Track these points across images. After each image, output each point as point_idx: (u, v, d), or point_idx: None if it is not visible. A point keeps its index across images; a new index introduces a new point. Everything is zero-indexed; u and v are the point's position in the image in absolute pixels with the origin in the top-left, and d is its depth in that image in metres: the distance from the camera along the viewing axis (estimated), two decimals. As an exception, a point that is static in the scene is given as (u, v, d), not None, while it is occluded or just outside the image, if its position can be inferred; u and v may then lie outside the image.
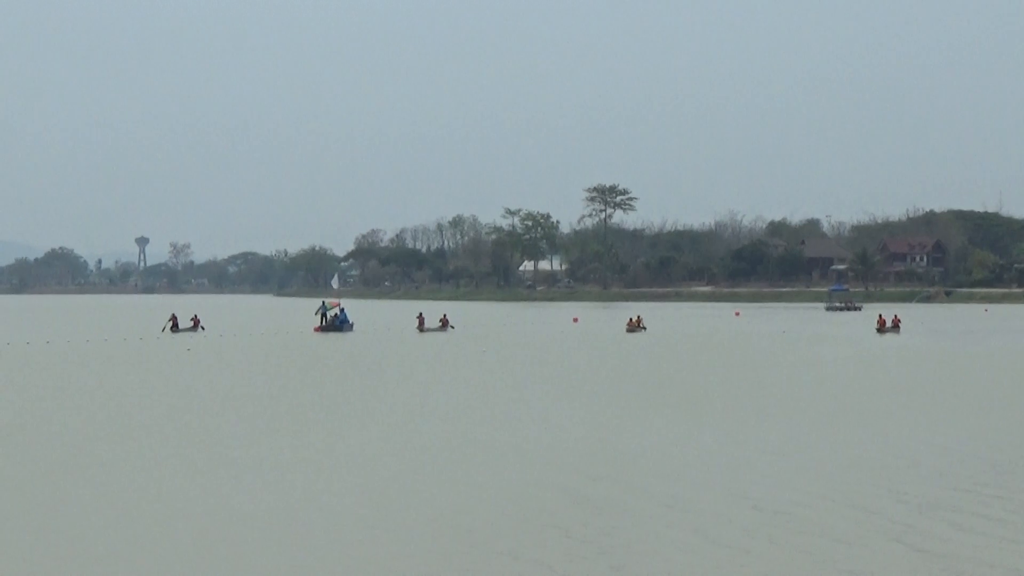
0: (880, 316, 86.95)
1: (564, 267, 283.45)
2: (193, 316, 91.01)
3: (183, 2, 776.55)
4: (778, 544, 16.05)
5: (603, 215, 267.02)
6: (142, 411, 32.46)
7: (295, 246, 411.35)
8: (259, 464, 22.92)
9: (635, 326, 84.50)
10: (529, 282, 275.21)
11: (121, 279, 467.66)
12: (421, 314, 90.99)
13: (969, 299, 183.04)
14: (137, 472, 22.03)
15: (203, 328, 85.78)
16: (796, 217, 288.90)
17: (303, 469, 22.29)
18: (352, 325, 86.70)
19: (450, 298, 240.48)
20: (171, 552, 15.83)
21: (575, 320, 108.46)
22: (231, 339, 74.94)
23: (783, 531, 16.82)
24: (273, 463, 23.00)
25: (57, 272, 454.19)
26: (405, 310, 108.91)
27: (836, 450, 24.48)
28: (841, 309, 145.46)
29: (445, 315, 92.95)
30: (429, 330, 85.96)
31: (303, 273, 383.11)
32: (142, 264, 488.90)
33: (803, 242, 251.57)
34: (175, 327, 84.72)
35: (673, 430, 28.01)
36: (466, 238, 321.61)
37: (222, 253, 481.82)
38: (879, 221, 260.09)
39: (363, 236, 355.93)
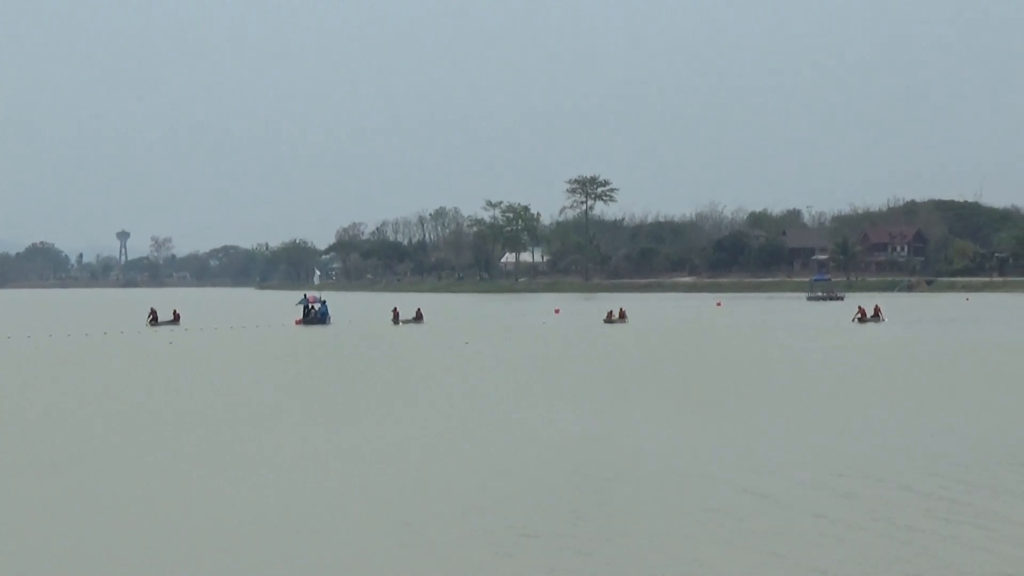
0: (860, 307, 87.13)
1: (546, 259, 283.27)
2: (174, 310, 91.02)
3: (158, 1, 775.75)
4: (772, 535, 16.11)
5: (584, 207, 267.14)
6: (125, 407, 32.41)
7: (276, 239, 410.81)
8: (243, 460, 22.88)
9: (612, 318, 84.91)
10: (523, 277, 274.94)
11: (102, 273, 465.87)
12: (396, 308, 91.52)
13: (950, 288, 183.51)
14: (127, 470, 22.00)
15: (179, 323, 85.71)
16: (777, 208, 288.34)
17: (290, 465, 22.27)
18: (330, 318, 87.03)
19: (432, 290, 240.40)
20: (161, 548, 15.81)
21: (557, 311, 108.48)
22: (212, 333, 74.81)
23: (775, 522, 16.88)
24: (256, 458, 22.97)
25: (38, 266, 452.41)
26: (386, 303, 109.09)
27: (820, 442, 24.54)
28: (823, 299, 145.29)
29: (419, 309, 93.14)
30: (404, 322, 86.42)
31: (284, 266, 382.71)
32: (123, 258, 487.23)
33: (784, 232, 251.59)
34: (155, 321, 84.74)
35: (656, 424, 28.03)
36: (447, 230, 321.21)
37: (203, 247, 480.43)
38: (860, 211, 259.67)
39: (344, 229, 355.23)
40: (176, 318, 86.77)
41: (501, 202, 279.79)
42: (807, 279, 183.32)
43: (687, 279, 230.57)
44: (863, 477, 20.19)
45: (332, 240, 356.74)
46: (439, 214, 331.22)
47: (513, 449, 23.98)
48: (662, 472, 20.96)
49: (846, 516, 17.23)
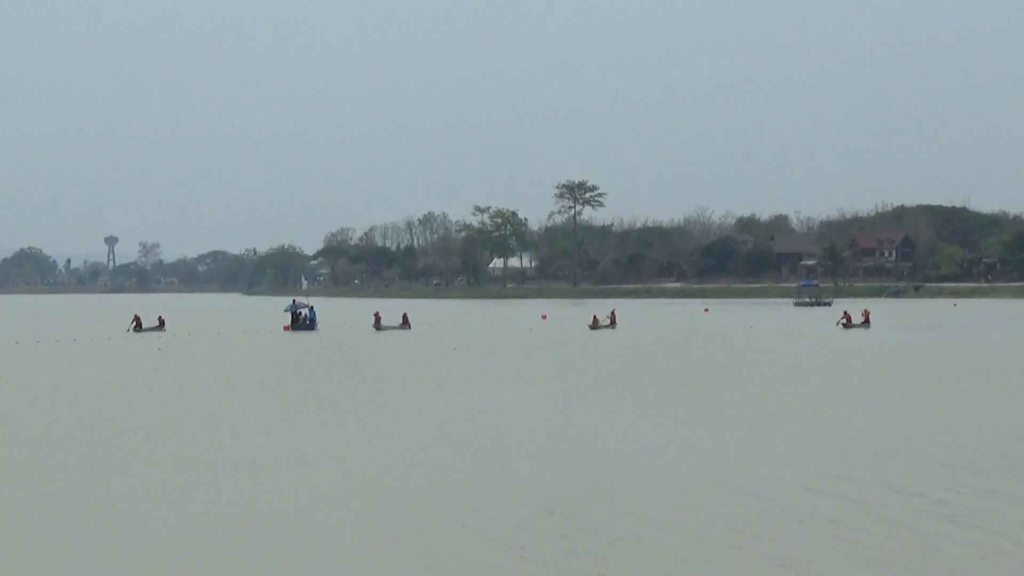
0: (845, 312, 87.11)
1: (534, 264, 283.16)
2: (159, 316, 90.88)
3: (148, 3, 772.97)
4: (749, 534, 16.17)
5: (572, 212, 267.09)
6: (115, 411, 32.43)
7: (264, 245, 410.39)
8: (236, 463, 22.93)
9: (597, 324, 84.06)
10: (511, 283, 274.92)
11: (90, 279, 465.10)
12: (378, 313, 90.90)
13: (938, 294, 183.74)
14: (119, 474, 22.03)
15: (165, 329, 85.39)
16: (765, 213, 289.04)
17: (283, 467, 22.31)
18: (317, 324, 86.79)
19: (420, 296, 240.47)
20: (157, 549, 15.84)
21: (544, 317, 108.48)
22: (201, 338, 74.78)
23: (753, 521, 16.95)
24: (249, 461, 23.01)
25: (26, 272, 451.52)
26: (374, 309, 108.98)
27: (812, 442, 24.63)
28: (810, 305, 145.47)
29: (405, 314, 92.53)
30: (389, 328, 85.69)
31: (273, 272, 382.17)
32: (111, 263, 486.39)
33: (772, 238, 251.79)
34: (138, 327, 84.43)
35: (648, 425, 28.10)
36: (436, 236, 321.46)
37: (191, 252, 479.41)
38: (848, 216, 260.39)
39: (332, 234, 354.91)
40: (161, 324, 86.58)
41: (489, 207, 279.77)
42: (795, 285, 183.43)
43: (675, 284, 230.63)
44: (859, 478, 20.29)
45: (320, 245, 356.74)
46: (427, 219, 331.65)
47: (507, 450, 24.05)
48: (656, 473, 21.04)
49: (845, 517, 17.31)
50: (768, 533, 16.59)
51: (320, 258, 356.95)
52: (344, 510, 18.49)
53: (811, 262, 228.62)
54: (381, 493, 19.76)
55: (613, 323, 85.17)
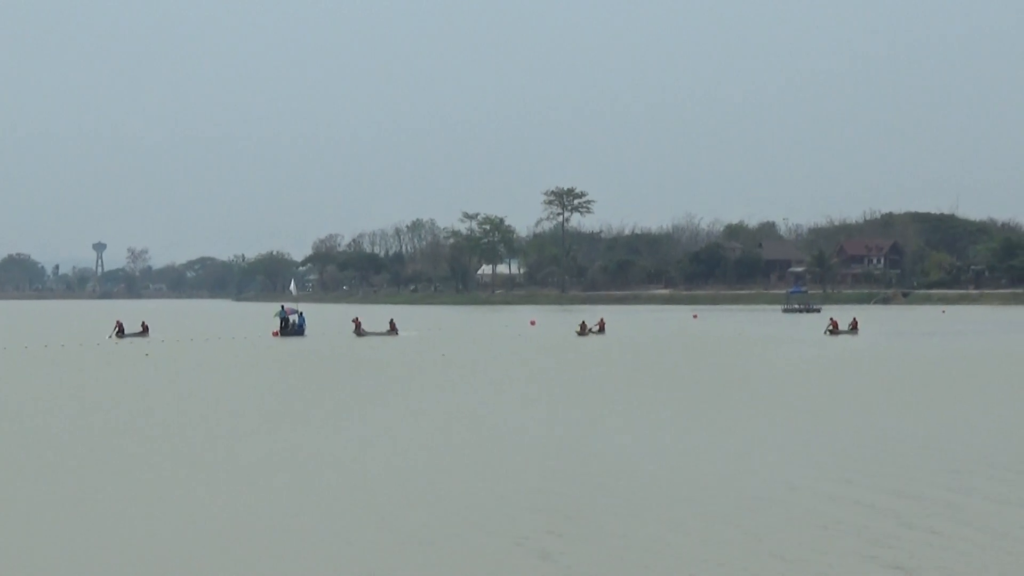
0: (832, 319, 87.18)
1: (522, 271, 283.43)
2: (142, 322, 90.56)
3: (136, 7, 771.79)
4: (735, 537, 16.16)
5: (561, 218, 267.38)
6: (103, 417, 32.37)
7: (253, 251, 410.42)
8: (230, 467, 22.89)
9: (585, 330, 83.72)
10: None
11: (79, 285, 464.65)
12: (357, 319, 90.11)
13: (926, 300, 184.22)
14: (109, 479, 21.98)
15: (148, 335, 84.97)
16: (753, 220, 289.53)
17: (271, 472, 22.26)
18: (305, 329, 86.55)
19: (408, 302, 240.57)
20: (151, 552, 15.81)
21: (532, 323, 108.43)
22: (189, 344, 74.64)
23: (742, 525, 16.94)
24: (242, 466, 22.98)
25: (14, 278, 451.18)
26: (364, 315, 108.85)
27: (805, 446, 24.64)
28: (799, 311, 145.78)
29: (392, 320, 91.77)
30: (370, 334, 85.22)
31: (261, 278, 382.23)
32: (100, 270, 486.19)
33: (760, 245, 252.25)
34: (121, 333, 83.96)
35: (639, 430, 28.08)
36: (424, 242, 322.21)
37: (180, 258, 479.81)
38: (836, 223, 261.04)
39: (321, 241, 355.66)
40: (144, 330, 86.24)
41: (478, 214, 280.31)
42: (783, 291, 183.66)
43: (663, 291, 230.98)
44: (860, 479, 20.29)
45: (309, 252, 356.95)
46: (416, 226, 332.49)
47: (504, 452, 24.04)
48: (657, 474, 21.00)
49: (848, 518, 17.31)
50: (773, 534, 16.59)
51: (309, 264, 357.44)
52: (342, 512, 18.45)
53: (799, 269, 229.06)
54: (378, 495, 19.71)
55: (602, 329, 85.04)
